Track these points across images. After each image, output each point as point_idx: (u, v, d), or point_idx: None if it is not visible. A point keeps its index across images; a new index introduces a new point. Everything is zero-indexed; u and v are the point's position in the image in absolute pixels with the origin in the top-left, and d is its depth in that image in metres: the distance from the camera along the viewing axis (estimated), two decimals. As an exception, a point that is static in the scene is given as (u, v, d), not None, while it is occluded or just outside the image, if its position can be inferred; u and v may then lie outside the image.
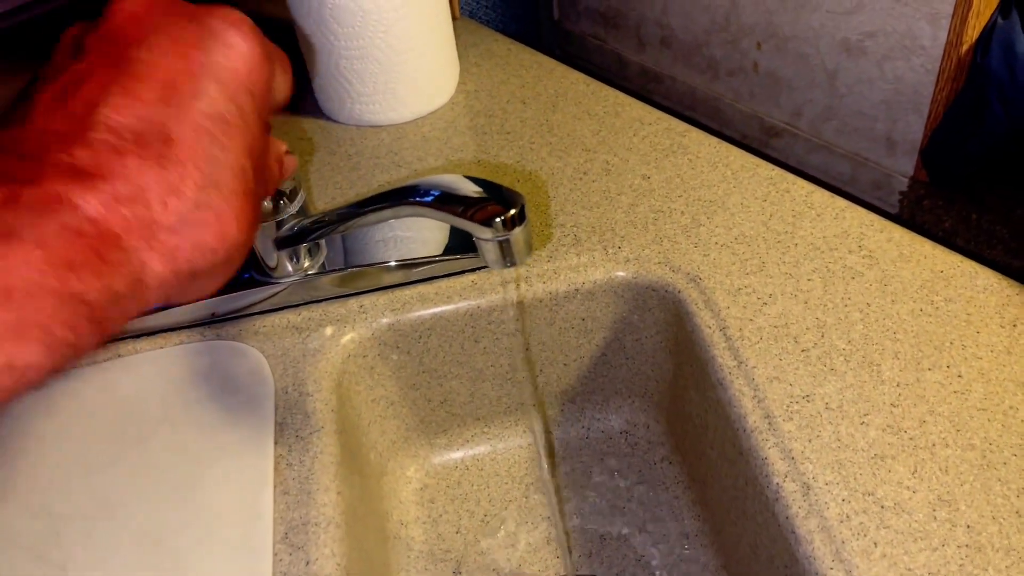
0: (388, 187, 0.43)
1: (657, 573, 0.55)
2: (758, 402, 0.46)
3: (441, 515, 0.59)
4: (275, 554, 0.43)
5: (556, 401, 0.62)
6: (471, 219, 0.36)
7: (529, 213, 0.39)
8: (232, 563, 0.42)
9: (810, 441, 0.44)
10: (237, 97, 0.30)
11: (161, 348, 0.54)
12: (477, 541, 0.57)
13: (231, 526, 0.44)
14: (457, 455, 0.62)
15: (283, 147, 0.41)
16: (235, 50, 0.30)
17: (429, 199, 0.37)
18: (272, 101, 0.33)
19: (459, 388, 0.59)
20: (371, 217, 0.42)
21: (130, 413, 0.50)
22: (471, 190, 0.37)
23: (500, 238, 0.36)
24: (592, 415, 0.62)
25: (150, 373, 0.52)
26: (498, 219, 0.35)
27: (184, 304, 0.54)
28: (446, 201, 0.37)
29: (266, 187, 0.37)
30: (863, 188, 0.71)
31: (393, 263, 0.55)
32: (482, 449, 0.62)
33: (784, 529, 0.42)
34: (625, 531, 0.57)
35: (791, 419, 0.45)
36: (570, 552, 0.56)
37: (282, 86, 0.35)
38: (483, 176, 0.41)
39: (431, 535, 0.58)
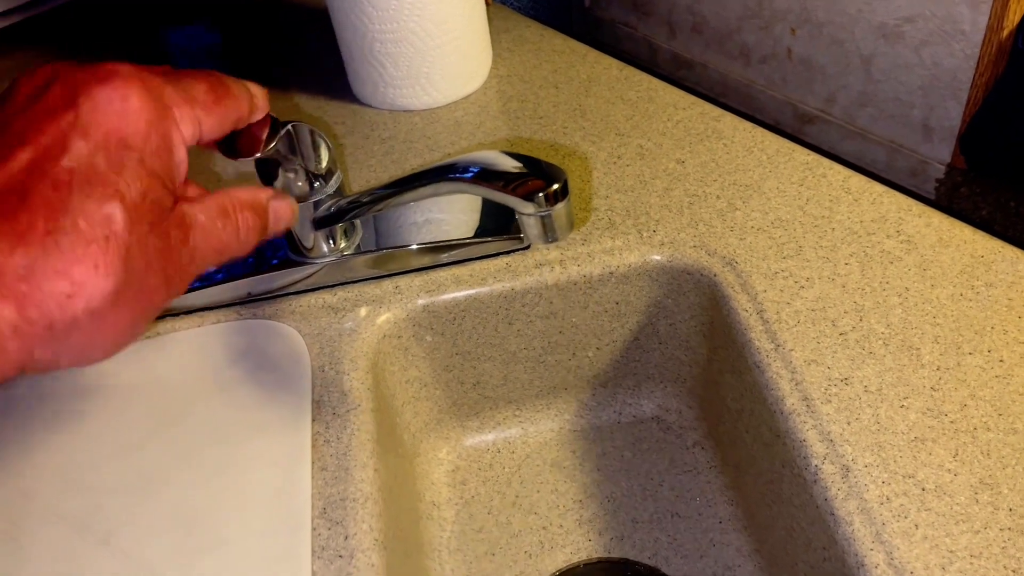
0: (424, 167, 0.43)
1: (689, 557, 0.55)
2: (795, 384, 0.46)
3: (473, 497, 0.59)
4: (314, 529, 0.43)
5: (588, 385, 0.62)
6: (513, 193, 0.36)
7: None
8: (271, 538, 0.43)
9: (849, 423, 0.44)
10: (109, 150, 0.31)
11: (199, 327, 0.54)
12: (509, 523, 0.58)
13: (269, 502, 0.45)
14: (489, 437, 0.62)
15: (266, 194, 0.40)
16: (108, 106, 0.32)
17: (469, 175, 0.37)
18: (172, 150, 0.33)
19: (492, 370, 0.59)
20: (410, 195, 0.42)
21: (168, 391, 0.51)
22: (511, 165, 0.37)
23: (542, 213, 0.36)
24: (624, 399, 0.62)
25: (187, 352, 0.53)
26: (540, 194, 0.35)
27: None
28: (487, 176, 0.37)
29: (211, 237, 0.36)
30: (898, 175, 0.71)
31: (428, 245, 0.55)
32: (514, 432, 0.62)
33: (823, 511, 0.42)
34: (657, 515, 0.57)
35: (829, 401, 0.45)
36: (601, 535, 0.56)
37: (212, 128, 0.36)
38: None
39: (463, 516, 0.58)
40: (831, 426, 0.44)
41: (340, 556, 0.42)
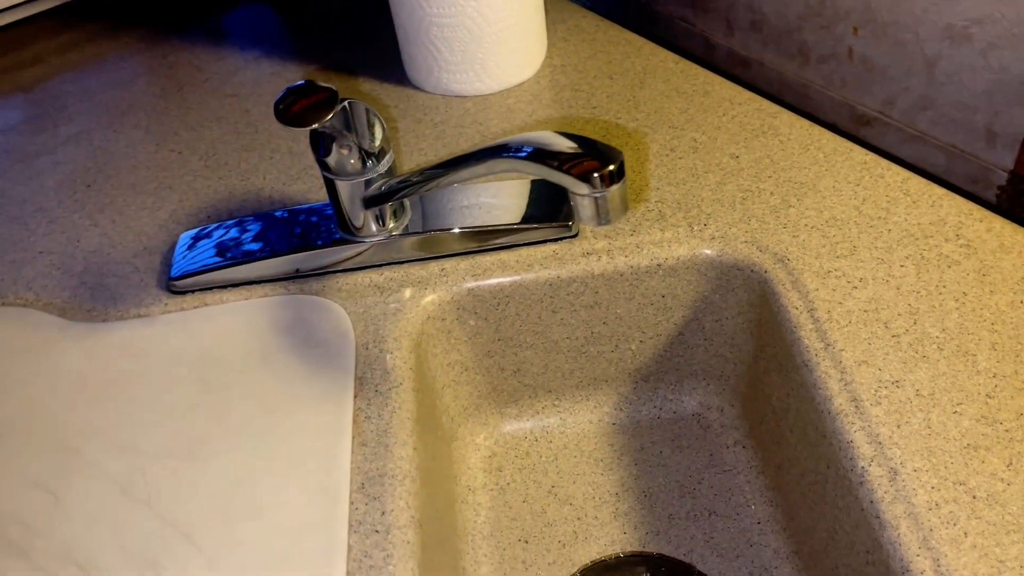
0: (477, 147, 0.43)
1: (725, 556, 0.54)
2: (844, 385, 0.45)
3: (509, 484, 0.59)
4: (351, 502, 0.43)
5: (629, 379, 0.61)
6: (567, 173, 0.35)
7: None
8: (309, 508, 0.43)
9: (899, 427, 0.43)
10: None
11: (246, 300, 0.55)
12: (544, 512, 0.57)
13: (309, 473, 0.45)
14: (527, 425, 0.62)
15: None
16: None
17: (523, 154, 0.37)
18: None
19: (533, 358, 0.59)
20: (462, 174, 0.42)
21: (214, 360, 0.51)
22: (567, 145, 0.36)
23: (597, 194, 0.35)
24: (665, 395, 0.62)
25: (235, 323, 0.53)
26: (596, 174, 0.35)
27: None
28: (541, 156, 0.36)
29: None
30: (958, 180, 0.69)
31: (475, 229, 0.55)
32: (552, 421, 0.62)
33: (868, 514, 0.41)
34: (694, 512, 0.56)
35: (879, 404, 0.44)
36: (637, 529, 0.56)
37: None
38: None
39: (498, 502, 0.58)
40: (880, 428, 0.43)
41: (376, 531, 0.42)
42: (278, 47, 0.80)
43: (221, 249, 0.56)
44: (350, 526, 0.42)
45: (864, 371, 0.46)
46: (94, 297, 0.56)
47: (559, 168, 0.36)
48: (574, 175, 0.35)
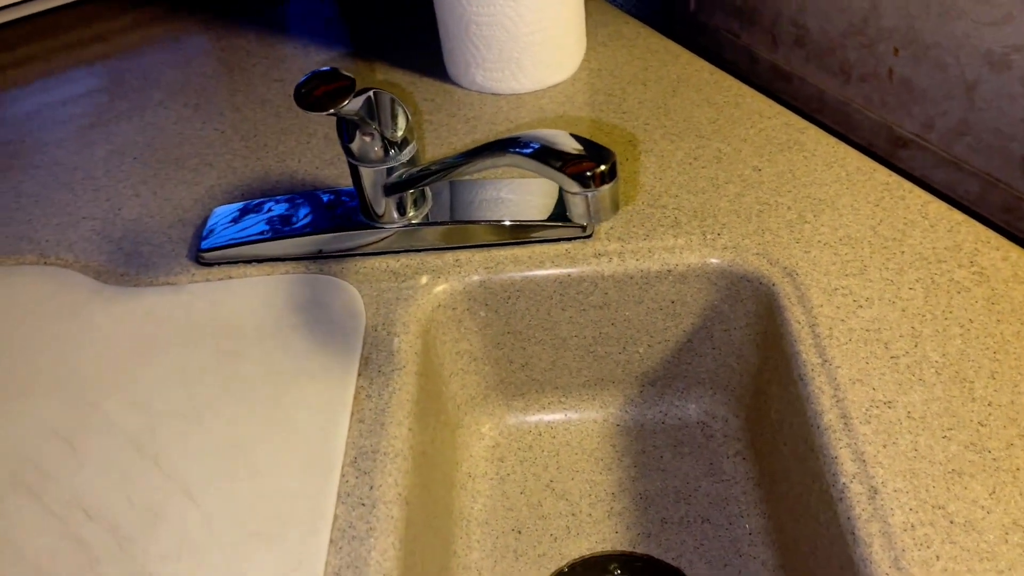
0: (491, 140, 0.44)
1: (713, 564, 0.54)
2: (836, 401, 0.46)
3: (509, 474, 0.60)
4: (342, 475, 0.45)
5: (636, 382, 0.62)
6: (562, 172, 0.36)
7: (620, 172, 0.39)
8: (302, 475, 0.45)
9: (885, 447, 0.43)
10: None
11: (268, 275, 0.57)
12: (540, 504, 0.58)
13: (306, 444, 0.47)
14: (531, 419, 0.63)
15: None
16: None
17: (528, 151, 0.38)
18: None
19: (541, 354, 0.60)
20: (473, 165, 0.44)
21: (231, 330, 0.54)
22: (571, 146, 0.38)
23: (587, 193, 0.36)
24: (671, 401, 0.62)
25: (254, 296, 0.56)
26: (588, 174, 0.36)
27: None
28: (544, 154, 0.38)
29: None
30: (991, 209, 0.68)
31: (492, 222, 0.56)
32: (557, 417, 0.63)
33: (844, 529, 0.41)
34: (687, 518, 0.57)
35: (868, 422, 0.44)
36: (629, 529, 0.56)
37: None
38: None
39: (496, 492, 0.59)
40: (866, 446, 0.43)
41: (363, 504, 0.44)
42: (328, 38, 0.82)
43: (250, 225, 0.59)
44: (338, 497, 0.44)
45: (858, 389, 0.46)
46: (128, 263, 0.59)
47: (555, 168, 0.37)
48: (568, 174, 0.36)
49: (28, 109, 0.77)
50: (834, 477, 0.43)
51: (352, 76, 0.45)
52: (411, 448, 0.47)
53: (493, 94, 0.71)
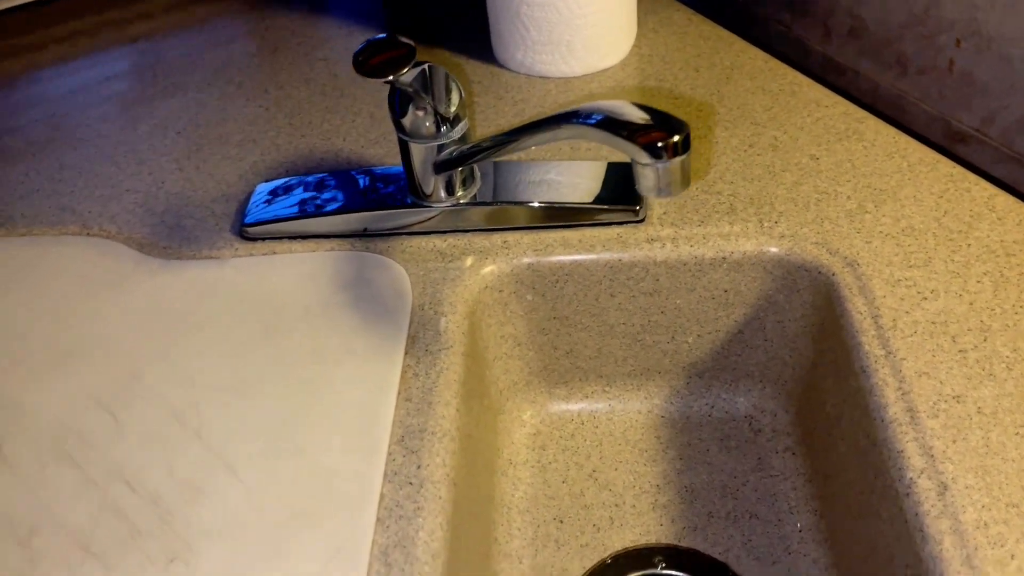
0: (547, 114, 0.43)
1: (762, 560, 0.53)
2: (902, 394, 0.44)
3: (550, 463, 0.59)
4: (389, 454, 0.44)
5: (683, 373, 0.60)
6: (632, 142, 0.35)
7: (693, 144, 0.38)
8: (348, 454, 0.44)
9: (954, 442, 0.41)
10: None
11: (313, 252, 0.56)
12: (582, 494, 0.57)
13: (352, 421, 0.46)
14: (574, 408, 0.61)
15: None
16: None
17: (594, 121, 0.37)
18: None
19: (587, 341, 0.59)
20: (533, 139, 0.42)
21: (276, 305, 0.53)
22: (636, 115, 0.36)
23: (659, 164, 0.35)
24: (718, 393, 0.61)
25: (299, 273, 0.55)
26: (660, 144, 0.35)
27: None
28: (609, 124, 0.36)
29: None
30: (1052, 208, 0.66)
31: (542, 204, 0.55)
32: (600, 407, 0.61)
33: (911, 527, 0.40)
34: (735, 513, 0.55)
35: (936, 416, 0.43)
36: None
37: None
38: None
39: (538, 480, 0.58)
40: (934, 441, 0.41)
41: (410, 483, 0.42)
42: (372, 18, 0.82)
43: (294, 201, 0.58)
44: (385, 476, 0.43)
45: (924, 382, 0.44)
46: (171, 236, 0.59)
47: (624, 137, 0.35)
48: (639, 143, 0.35)
49: (72, 84, 0.77)
50: (900, 472, 0.41)
51: (411, 43, 0.44)
52: (458, 429, 0.46)
53: (541, 77, 0.70)
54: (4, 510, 0.43)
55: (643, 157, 0.35)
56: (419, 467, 0.43)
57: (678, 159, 0.35)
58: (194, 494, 0.43)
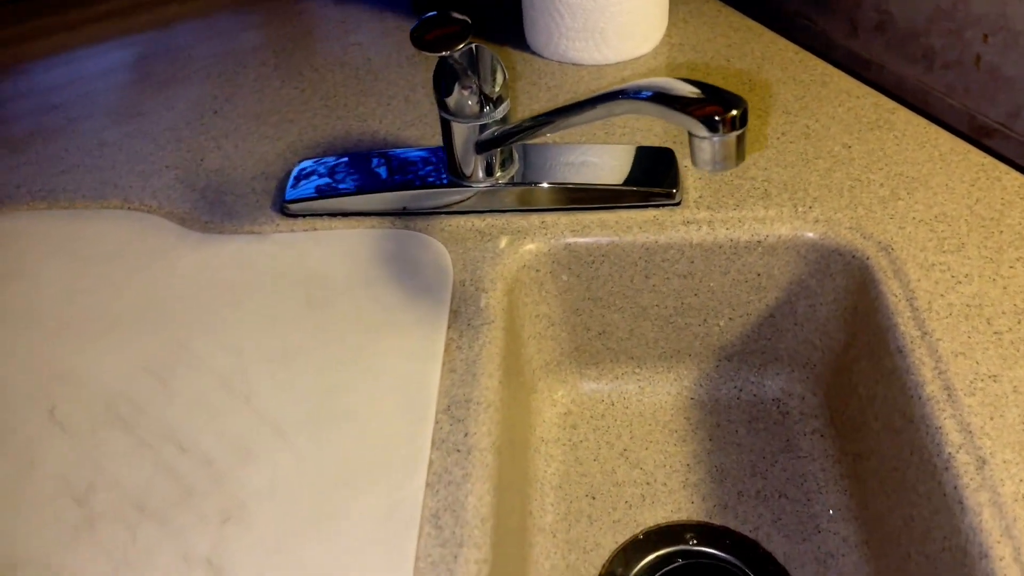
0: (592, 94, 0.44)
1: (792, 537, 0.54)
2: (939, 373, 0.45)
3: (581, 441, 0.60)
4: (436, 422, 0.45)
5: (713, 356, 0.61)
6: (691, 114, 0.36)
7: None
8: (396, 421, 0.45)
9: (992, 419, 0.42)
10: None
11: (353, 229, 0.57)
12: (614, 472, 0.58)
13: (398, 390, 0.47)
14: (605, 388, 0.62)
15: None
16: None
17: (646, 95, 0.38)
18: None
19: (619, 322, 0.60)
20: (581, 116, 0.43)
21: (319, 279, 0.54)
22: (689, 90, 0.37)
23: (718, 138, 0.36)
24: (747, 377, 0.62)
25: (341, 248, 0.56)
26: (718, 118, 0.36)
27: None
28: (666, 98, 0.37)
29: None
30: (1077, 201, 0.67)
31: (579, 186, 0.56)
32: (631, 388, 0.62)
33: (950, 499, 0.41)
34: (764, 492, 0.56)
35: (973, 395, 0.44)
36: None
37: None
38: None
39: (569, 457, 0.59)
40: (972, 418, 0.42)
41: (458, 450, 0.43)
42: (406, 3, 0.82)
43: (335, 179, 0.59)
44: (433, 443, 0.44)
45: (961, 362, 0.45)
46: (212, 211, 0.59)
47: (682, 109, 0.36)
48: (697, 116, 0.36)
49: (108, 63, 0.78)
50: (938, 447, 0.42)
51: (466, 19, 0.45)
52: (501, 400, 0.47)
53: (574, 64, 0.71)
54: (60, 470, 0.44)
55: (700, 130, 0.36)
56: (466, 435, 0.44)
57: (734, 133, 0.36)
58: (245, 457, 0.44)
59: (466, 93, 0.51)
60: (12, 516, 0.43)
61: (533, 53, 0.73)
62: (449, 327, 0.50)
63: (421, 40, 0.43)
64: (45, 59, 0.80)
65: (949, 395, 0.44)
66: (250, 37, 0.79)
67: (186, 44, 0.79)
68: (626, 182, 0.57)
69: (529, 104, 0.67)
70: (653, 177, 0.57)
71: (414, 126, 0.66)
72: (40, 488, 0.44)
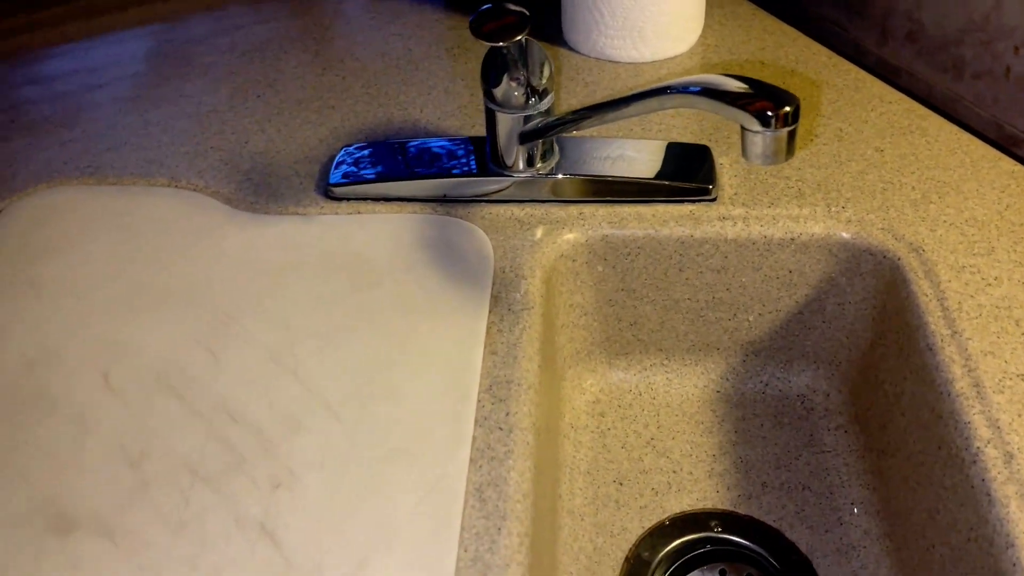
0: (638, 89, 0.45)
1: (815, 529, 0.55)
2: (968, 371, 0.46)
3: (609, 429, 0.61)
4: (479, 401, 0.46)
5: (741, 350, 0.63)
6: (744, 108, 0.37)
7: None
8: (440, 399, 0.46)
9: (1020, 415, 0.44)
10: None
11: (396, 213, 0.59)
12: (641, 459, 0.59)
13: (442, 370, 0.48)
14: (633, 378, 0.64)
15: None
16: None
17: (701, 89, 0.39)
18: None
19: (651, 314, 0.61)
20: (630, 109, 0.45)
21: (363, 261, 0.55)
22: (736, 86, 0.39)
23: (768, 132, 0.37)
24: (773, 372, 0.63)
25: (384, 232, 0.57)
26: (771, 113, 0.37)
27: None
28: (720, 93, 0.39)
29: None
30: (1101, 212, 0.68)
31: (618, 179, 0.57)
32: (658, 379, 0.64)
33: (978, 491, 0.42)
34: (788, 484, 0.57)
35: (1002, 392, 0.45)
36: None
37: None
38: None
39: (598, 445, 0.60)
40: (1000, 415, 0.44)
41: (500, 428, 0.45)
42: (443, -3, 0.84)
43: (377, 165, 0.60)
44: (476, 421, 0.45)
45: (990, 361, 0.46)
46: (257, 192, 0.61)
47: (735, 103, 0.38)
48: (750, 111, 0.37)
49: (152, 45, 0.79)
50: (967, 441, 0.43)
51: (524, 11, 0.47)
52: (540, 382, 0.49)
53: (611, 61, 0.72)
54: (115, 437, 0.46)
55: (753, 124, 0.38)
56: (507, 414, 0.46)
57: (786, 129, 0.37)
58: (294, 427, 0.46)
59: (514, 84, 0.53)
60: (69, 477, 0.44)
61: (571, 49, 0.74)
62: (490, 311, 0.51)
63: (480, 31, 0.44)
64: (88, 39, 0.81)
65: (978, 392, 0.45)
66: (292, 24, 0.81)
67: (230, 29, 0.81)
68: (663, 177, 0.58)
69: (567, 99, 0.68)
70: (689, 173, 0.58)
71: (454, 116, 0.67)
72: (95, 451, 0.45)
